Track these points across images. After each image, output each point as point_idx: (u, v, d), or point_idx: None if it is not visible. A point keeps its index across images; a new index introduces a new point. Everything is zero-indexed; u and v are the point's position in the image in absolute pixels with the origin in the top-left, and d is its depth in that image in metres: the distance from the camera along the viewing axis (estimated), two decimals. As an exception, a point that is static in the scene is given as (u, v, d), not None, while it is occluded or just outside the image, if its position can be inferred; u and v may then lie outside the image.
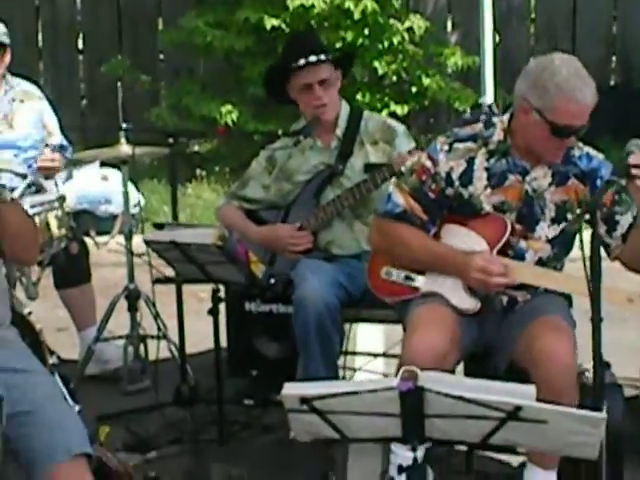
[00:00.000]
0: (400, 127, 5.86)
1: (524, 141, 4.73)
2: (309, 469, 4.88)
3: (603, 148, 4.98)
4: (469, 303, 4.76)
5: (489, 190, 4.78)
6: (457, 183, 4.78)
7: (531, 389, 3.52)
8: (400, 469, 4.20)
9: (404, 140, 5.72)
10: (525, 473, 4.73)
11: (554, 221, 4.80)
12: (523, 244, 4.80)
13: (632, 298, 4.55)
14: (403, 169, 5.02)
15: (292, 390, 3.50)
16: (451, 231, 4.87)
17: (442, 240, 4.87)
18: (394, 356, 5.90)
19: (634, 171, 4.01)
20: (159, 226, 5.92)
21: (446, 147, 4.80)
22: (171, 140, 5.95)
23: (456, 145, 4.80)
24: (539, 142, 4.66)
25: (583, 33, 13.23)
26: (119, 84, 11.87)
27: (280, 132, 6.02)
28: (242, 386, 5.98)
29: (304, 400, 3.47)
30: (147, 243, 5.34)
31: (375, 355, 6.39)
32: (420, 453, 4.26)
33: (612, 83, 13.51)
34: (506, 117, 4.85)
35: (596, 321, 4.08)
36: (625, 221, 4.61)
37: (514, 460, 5.23)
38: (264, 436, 5.62)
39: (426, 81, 11.08)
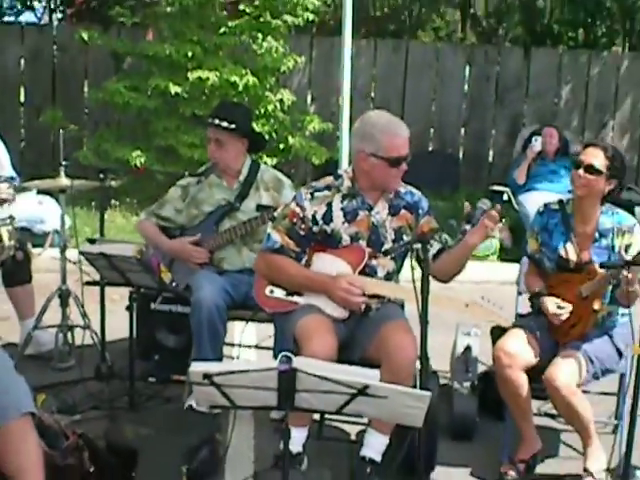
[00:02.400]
0: (287, 181, 5.93)
1: (368, 182, 4.89)
2: (201, 430, 4.88)
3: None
4: (339, 312, 4.87)
5: (346, 224, 4.90)
6: (321, 222, 4.88)
7: (376, 372, 3.62)
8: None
9: (289, 191, 5.77)
10: (366, 436, 4.81)
11: (394, 242, 4.94)
12: (374, 262, 4.91)
13: (468, 304, 4.64)
14: (276, 214, 5.10)
15: (197, 368, 3.53)
16: (321, 258, 4.95)
17: (313, 266, 4.94)
18: (263, 347, 6.00)
19: (486, 222, 4.61)
20: (92, 241, 5.89)
21: (309, 196, 4.91)
22: (102, 176, 5.96)
23: (316, 194, 4.92)
24: (381, 177, 4.84)
25: (410, 110, 13.37)
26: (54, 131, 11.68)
27: (186, 173, 6.02)
28: (147, 367, 5.95)
29: (206, 376, 3.51)
30: (82, 253, 5.31)
31: (249, 346, 6.43)
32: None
33: (430, 149, 13.64)
34: (350, 169, 5.04)
35: (424, 324, 4.21)
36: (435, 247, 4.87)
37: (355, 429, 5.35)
38: (165, 405, 5.60)
39: (291, 140, 11.14)
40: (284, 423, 3.69)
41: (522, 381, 4.89)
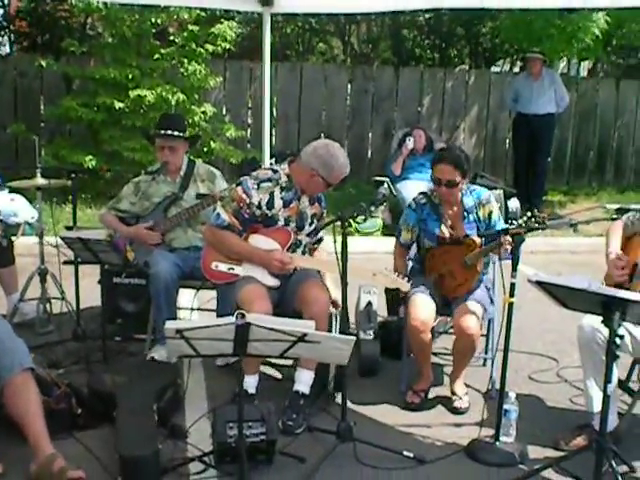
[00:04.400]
0: (218, 173, 5.96)
1: (304, 186, 5.01)
2: (164, 377, 4.87)
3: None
4: (273, 282, 4.96)
5: (282, 210, 4.97)
6: (264, 207, 4.94)
7: (311, 323, 3.69)
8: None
9: (221, 181, 5.85)
10: (296, 374, 4.89)
11: (310, 224, 5.10)
12: (299, 238, 5.08)
13: (375, 273, 4.72)
14: (224, 195, 5.14)
15: (171, 325, 3.55)
16: (256, 237, 5.02)
17: (250, 242, 5.00)
18: (204, 310, 6.00)
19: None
20: (69, 228, 5.85)
21: (255, 186, 4.95)
22: (73, 175, 5.91)
23: (262, 185, 4.96)
24: (316, 189, 5.03)
25: (305, 117, 13.40)
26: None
27: (143, 172, 6.00)
28: (113, 329, 5.92)
29: (178, 331, 3.53)
30: (62, 238, 5.26)
31: (192, 309, 6.43)
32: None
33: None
34: (285, 166, 5.07)
35: (344, 285, 4.29)
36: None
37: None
38: (130, 358, 5.60)
39: (212, 144, 11.11)
40: (239, 367, 3.72)
41: (429, 339, 5.01)
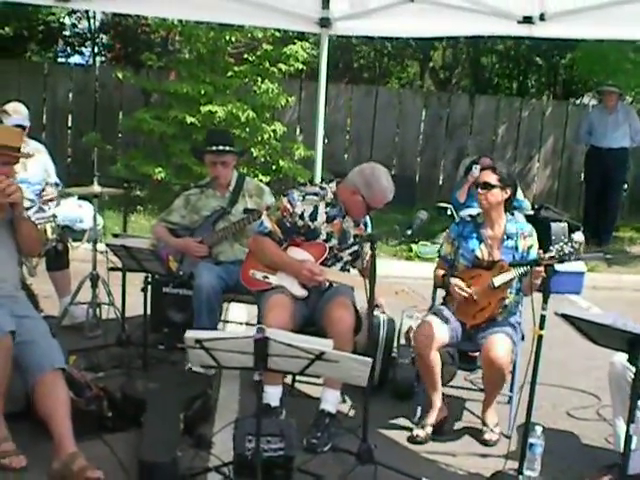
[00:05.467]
0: (267, 189, 6.06)
1: (345, 203, 5.07)
2: (197, 386, 4.95)
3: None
4: (300, 292, 5.01)
5: (325, 224, 5.07)
6: (307, 218, 5.06)
7: (330, 342, 3.71)
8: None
9: (269, 197, 5.93)
10: (322, 394, 4.92)
11: (353, 244, 5.12)
12: (342, 254, 5.13)
13: (397, 291, 4.74)
14: (271, 206, 5.28)
15: (191, 335, 3.61)
16: (293, 250, 5.11)
17: (288, 253, 5.08)
18: (252, 324, 6.05)
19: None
20: (116, 236, 5.99)
21: (301, 198, 5.08)
22: (125, 185, 6.05)
23: (307, 197, 5.09)
24: (356, 210, 5.08)
25: (378, 141, 13.49)
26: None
27: (192, 185, 6.12)
28: (158, 337, 6.02)
29: (197, 341, 3.59)
30: (107, 245, 5.39)
31: (241, 323, 6.51)
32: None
33: (393, 173, 13.69)
34: (333, 185, 5.17)
35: (371, 302, 4.31)
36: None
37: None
38: (171, 367, 5.66)
39: (282, 163, 11.24)
40: (259, 380, 3.75)
41: (435, 358, 4.96)
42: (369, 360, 3.70)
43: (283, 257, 5.09)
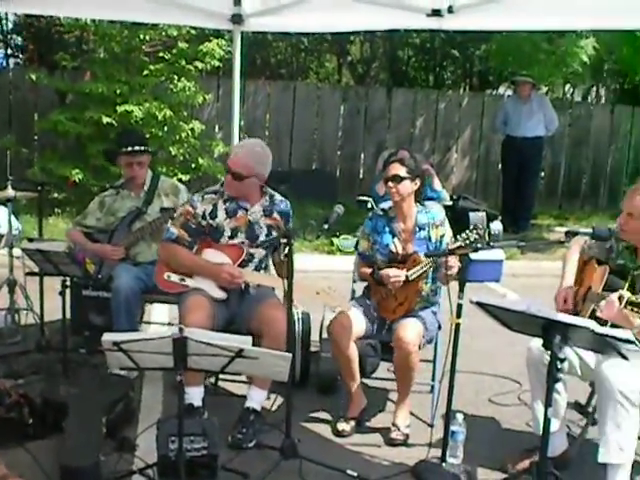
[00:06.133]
0: (182, 187, 6.03)
1: (227, 189, 5.11)
2: (119, 389, 4.91)
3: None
4: (219, 294, 4.99)
5: (228, 220, 5.06)
6: (208, 217, 5.05)
7: (249, 339, 3.71)
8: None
9: (185, 195, 5.89)
10: (249, 392, 4.91)
11: (267, 236, 5.13)
12: (252, 251, 5.09)
13: (318, 291, 4.74)
14: (175, 215, 5.28)
15: (108, 337, 3.59)
16: (208, 252, 5.09)
17: (203, 256, 5.07)
18: (175, 324, 6.00)
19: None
20: (30, 240, 5.89)
21: (200, 198, 5.11)
22: (39, 188, 5.97)
23: (206, 196, 5.11)
24: (231, 186, 5.08)
25: (297, 136, 13.50)
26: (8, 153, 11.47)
27: (107, 186, 6.06)
28: (79, 341, 5.93)
29: (115, 343, 3.57)
30: (23, 250, 5.31)
31: (163, 324, 6.47)
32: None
33: (313, 168, 13.75)
34: None
35: (289, 302, 4.31)
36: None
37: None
38: (92, 371, 5.54)
39: (201, 161, 11.18)
40: (180, 380, 3.74)
41: (352, 349, 4.96)
42: (289, 355, 3.73)
43: (197, 261, 5.06)
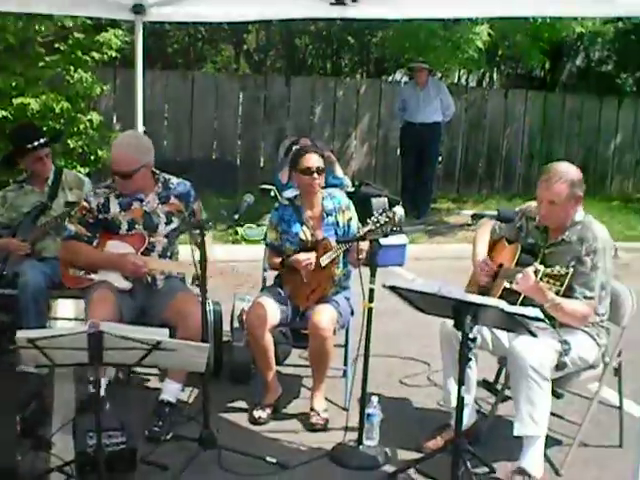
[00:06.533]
0: (86, 179, 6.00)
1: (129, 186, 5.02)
2: (32, 387, 4.86)
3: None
4: (124, 285, 4.98)
5: (123, 213, 5.04)
6: (102, 211, 5.03)
7: (166, 331, 3.70)
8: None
9: (88, 187, 5.82)
10: (164, 384, 4.92)
11: (166, 224, 5.09)
12: (152, 240, 5.07)
13: (222, 272, 4.75)
14: (72, 212, 5.29)
15: (22, 334, 3.52)
16: (111, 243, 5.07)
17: (107, 249, 5.03)
18: (82, 319, 5.93)
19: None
20: None
21: (93, 193, 5.14)
22: None
23: (97, 191, 5.11)
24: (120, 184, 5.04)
25: (197, 126, 13.40)
26: None
27: (11, 181, 5.95)
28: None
29: (30, 340, 3.51)
30: None
31: (70, 319, 6.38)
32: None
33: (213, 157, 13.66)
34: None
35: (203, 291, 4.32)
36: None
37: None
38: (1, 370, 5.47)
39: (100, 153, 10.98)
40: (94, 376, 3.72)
41: (267, 338, 4.99)
42: (206, 345, 3.75)
43: (99, 255, 5.03)
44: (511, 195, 14.65)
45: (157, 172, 5.15)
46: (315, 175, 5.10)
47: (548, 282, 4.03)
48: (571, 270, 4.05)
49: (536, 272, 4.08)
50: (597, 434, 4.91)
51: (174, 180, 5.17)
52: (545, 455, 4.42)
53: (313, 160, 5.12)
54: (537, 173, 15.20)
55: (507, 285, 4.44)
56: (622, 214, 12.84)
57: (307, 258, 5.05)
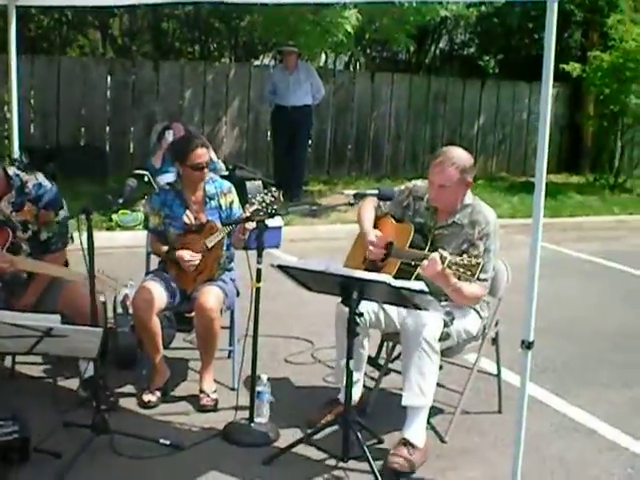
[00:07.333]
0: None
1: None
2: None
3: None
4: None
5: (15, 214, 4.83)
6: None
7: (57, 317, 3.68)
8: None
9: None
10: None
11: (23, 232, 4.85)
12: (15, 240, 4.85)
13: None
14: None
15: None
16: None
17: None
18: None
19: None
20: None
21: None
22: None
23: None
24: None
25: (64, 113, 13.12)
26: None
27: None
28: None
29: None
30: None
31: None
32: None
33: (82, 144, 13.40)
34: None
35: (92, 280, 4.27)
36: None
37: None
38: None
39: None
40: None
41: (155, 322, 4.99)
42: (99, 330, 3.75)
43: None
44: (380, 176, 14.92)
45: (12, 177, 4.86)
46: (205, 170, 5.16)
47: (457, 270, 4.09)
48: (481, 260, 4.12)
49: (442, 258, 4.16)
50: (477, 402, 5.16)
51: (32, 183, 4.86)
52: (429, 423, 4.61)
53: (203, 155, 5.14)
54: (404, 155, 15.66)
55: (404, 267, 4.53)
56: (487, 192, 13.24)
57: (191, 259, 5.07)
